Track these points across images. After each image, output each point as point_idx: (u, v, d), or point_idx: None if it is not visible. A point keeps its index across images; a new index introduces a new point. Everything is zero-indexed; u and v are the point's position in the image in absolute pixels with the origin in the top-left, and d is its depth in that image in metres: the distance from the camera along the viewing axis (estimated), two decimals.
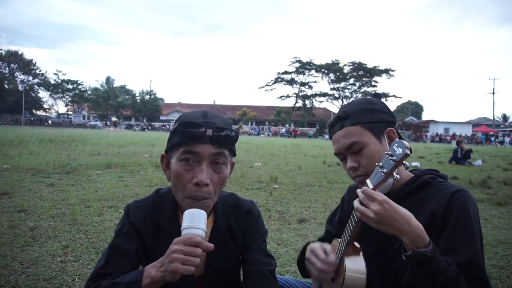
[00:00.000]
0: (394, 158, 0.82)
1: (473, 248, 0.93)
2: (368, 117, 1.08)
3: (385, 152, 0.86)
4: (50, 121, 64.77)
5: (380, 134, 1.08)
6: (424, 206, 1.00)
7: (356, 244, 1.02)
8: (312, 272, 1.08)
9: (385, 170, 0.84)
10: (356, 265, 0.99)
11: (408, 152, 0.81)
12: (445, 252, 0.91)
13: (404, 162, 0.83)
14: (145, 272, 0.89)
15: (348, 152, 1.09)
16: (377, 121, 1.08)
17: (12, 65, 64.25)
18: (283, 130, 56.63)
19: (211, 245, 0.86)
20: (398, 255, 0.89)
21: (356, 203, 0.90)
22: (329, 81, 64.29)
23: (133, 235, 1.05)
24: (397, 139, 0.85)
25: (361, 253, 1.01)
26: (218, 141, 0.97)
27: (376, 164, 0.88)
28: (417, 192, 1.05)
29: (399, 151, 0.82)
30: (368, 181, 0.90)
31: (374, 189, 0.87)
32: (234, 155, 1.08)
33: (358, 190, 0.90)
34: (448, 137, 52.64)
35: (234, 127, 1.07)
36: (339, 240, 1.05)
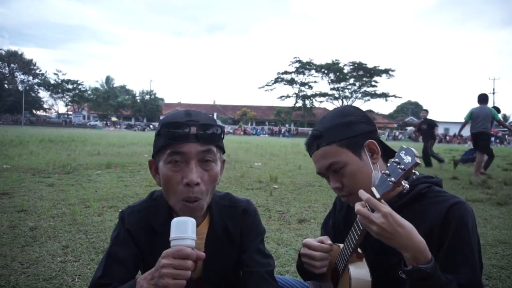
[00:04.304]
0: (402, 166, 0.78)
1: (473, 268, 0.91)
2: (343, 133, 1.02)
3: (392, 160, 0.82)
4: (59, 121, 64.85)
5: (360, 149, 1.02)
6: (421, 220, 0.96)
7: (359, 250, 0.99)
8: (312, 264, 1.05)
9: (392, 179, 0.80)
10: (360, 271, 0.97)
11: (418, 161, 0.76)
12: (443, 270, 0.88)
13: (413, 171, 0.78)
14: (137, 285, 0.88)
15: (329, 172, 1.05)
16: (354, 136, 1.02)
17: (12, 65, 64.22)
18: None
19: (203, 254, 0.84)
20: (397, 267, 0.87)
21: (359, 212, 0.87)
22: (329, 81, 64.35)
23: (129, 242, 1.03)
24: (404, 146, 0.81)
25: (364, 258, 0.99)
26: (204, 138, 0.95)
27: (382, 172, 0.84)
28: (412, 204, 1.00)
29: (408, 159, 0.78)
30: (373, 189, 0.86)
31: (380, 198, 0.83)
32: (223, 152, 1.06)
33: (361, 201, 0.86)
34: (447, 137, 52.67)
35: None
36: (341, 246, 1.02)
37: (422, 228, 0.92)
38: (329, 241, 1.06)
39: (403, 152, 0.80)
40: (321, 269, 1.05)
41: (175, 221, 0.84)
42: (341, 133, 1.02)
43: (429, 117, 10.35)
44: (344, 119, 1.04)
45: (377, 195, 0.83)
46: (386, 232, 0.81)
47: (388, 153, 1.09)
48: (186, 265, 0.80)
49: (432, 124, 9.98)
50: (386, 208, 0.82)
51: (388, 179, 0.81)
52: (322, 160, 1.04)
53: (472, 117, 7.70)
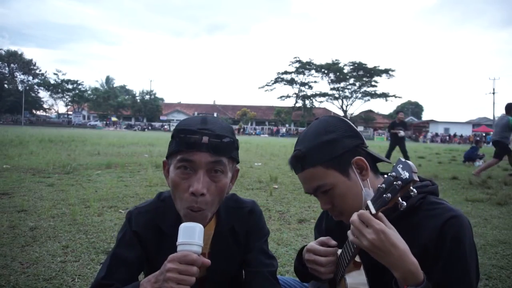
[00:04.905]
0: (399, 183, 0.73)
1: (468, 286, 0.88)
2: (328, 152, 0.95)
3: (389, 174, 0.77)
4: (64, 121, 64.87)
5: (347, 167, 0.96)
6: (415, 234, 0.91)
7: (357, 258, 0.95)
8: (318, 270, 1.00)
9: (389, 195, 0.75)
10: (357, 280, 0.94)
11: (416, 178, 0.71)
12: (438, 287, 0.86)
13: (411, 187, 0.73)
14: (140, 287, 0.88)
15: (317, 193, 1.00)
16: (339, 154, 0.95)
17: (12, 65, 64.17)
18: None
19: (208, 261, 0.84)
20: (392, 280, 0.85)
21: (349, 233, 0.84)
22: (329, 81, 64.31)
23: (135, 243, 1.03)
24: (402, 159, 0.76)
25: (361, 266, 0.96)
26: (215, 148, 0.93)
27: (379, 186, 0.79)
28: (406, 217, 0.94)
29: (405, 175, 0.73)
30: (369, 202, 0.82)
31: (376, 213, 0.79)
32: (237, 162, 1.04)
33: (354, 214, 0.83)
34: (447, 137, 52.71)
35: (234, 127, 1.04)
36: (339, 252, 1.00)
37: (417, 243, 0.89)
38: (332, 242, 1.01)
39: (401, 166, 0.75)
40: (327, 275, 1.00)
41: (183, 226, 0.84)
42: (325, 153, 0.96)
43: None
44: (327, 136, 0.97)
45: (373, 210, 0.80)
46: (377, 249, 0.79)
47: (377, 161, 1.04)
48: (191, 271, 0.80)
49: (406, 126, 10.95)
50: (379, 225, 0.79)
51: (385, 195, 0.77)
52: (308, 182, 1.00)
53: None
